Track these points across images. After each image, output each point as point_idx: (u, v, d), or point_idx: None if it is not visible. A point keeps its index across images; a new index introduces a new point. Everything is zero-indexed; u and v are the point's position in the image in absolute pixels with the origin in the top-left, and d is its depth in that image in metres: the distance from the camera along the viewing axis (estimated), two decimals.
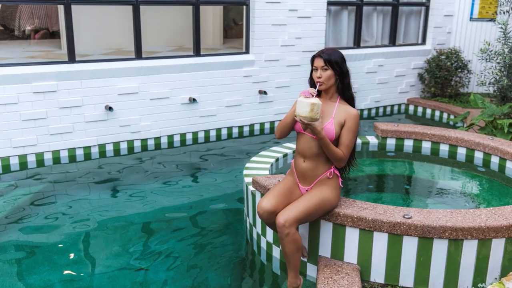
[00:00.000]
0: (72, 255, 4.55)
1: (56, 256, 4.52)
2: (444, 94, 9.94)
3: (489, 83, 8.16)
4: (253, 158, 5.28)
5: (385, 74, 9.83)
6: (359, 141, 5.98)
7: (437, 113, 9.54)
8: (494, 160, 5.48)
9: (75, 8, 7.08)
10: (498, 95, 8.20)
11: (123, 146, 7.37)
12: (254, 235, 4.64)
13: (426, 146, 5.90)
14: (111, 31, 9.21)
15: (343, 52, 4.00)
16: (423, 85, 10.30)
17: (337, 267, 3.80)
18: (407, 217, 3.67)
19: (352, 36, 9.54)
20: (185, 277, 4.24)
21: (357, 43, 9.56)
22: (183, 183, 6.30)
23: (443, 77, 9.71)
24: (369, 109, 9.86)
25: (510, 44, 7.66)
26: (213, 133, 8.11)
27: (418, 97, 10.27)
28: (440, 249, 3.65)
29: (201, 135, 8.01)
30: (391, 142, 6.01)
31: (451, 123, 8.85)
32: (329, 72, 3.72)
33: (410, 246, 3.68)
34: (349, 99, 3.85)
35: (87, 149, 7.10)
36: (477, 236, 3.61)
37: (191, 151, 7.55)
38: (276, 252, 4.34)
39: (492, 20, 10.27)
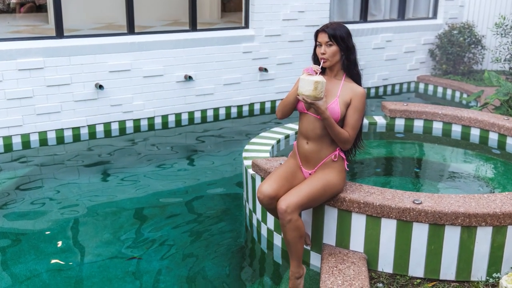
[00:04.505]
0: (60, 243, 4.53)
1: (43, 244, 4.50)
2: (456, 71, 9.88)
3: (505, 60, 8.11)
4: (253, 140, 5.25)
5: (393, 50, 9.76)
6: (366, 121, 5.95)
7: (449, 91, 9.49)
8: (510, 141, 5.45)
9: None
10: None
11: (114, 126, 7.33)
12: (254, 222, 4.62)
13: (437, 126, 5.86)
14: (101, 4, 9.12)
15: (349, 26, 3.94)
16: (434, 61, 10.24)
17: (343, 256, 3.78)
18: (417, 202, 3.64)
19: (358, 9, 9.46)
20: (180, 266, 4.22)
21: (363, 17, 9.48)
22: (178, 166, 6.28)
23: (455, 53, 9.64)
24: (377, 88, 9.81)
25: None
26: (210, 113, 8.07)
27: (428, 75, 10.22)
28: (452, 236, 3.63)
29: (197, 115, 7.97)
30: (400, 123, 5.97)
31: (464, 102, 8.82)
32: (334, 48, 3.68)
33: (420, 234, 3.66)
34: (355, 76, 3.82)
35: (76, 130, 7.06)
36: (492, 223, 3.58)
37: (187, 132, 7.52)
38: (277, 239, 4.32)
39: None
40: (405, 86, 10.17)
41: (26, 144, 6.72)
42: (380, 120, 6.02)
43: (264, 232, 4.46)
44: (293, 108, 3.82)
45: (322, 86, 3.48)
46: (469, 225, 3.58)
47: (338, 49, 3.70)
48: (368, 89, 9.64)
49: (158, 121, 7.66)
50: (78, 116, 7.03)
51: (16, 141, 6.69)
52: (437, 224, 3.60)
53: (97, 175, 5.96)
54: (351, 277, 3.51)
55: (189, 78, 7.67)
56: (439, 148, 5.75)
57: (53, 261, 4.26)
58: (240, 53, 8.10)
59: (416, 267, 3.74)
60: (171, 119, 7.76)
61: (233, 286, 4.04)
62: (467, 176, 5.14)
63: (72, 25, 7.71)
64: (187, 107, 7.85)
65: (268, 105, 8.60)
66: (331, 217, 3.88)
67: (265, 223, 4.41)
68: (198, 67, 7.78)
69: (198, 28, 7.89)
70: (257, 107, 8.50)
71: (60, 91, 6.83)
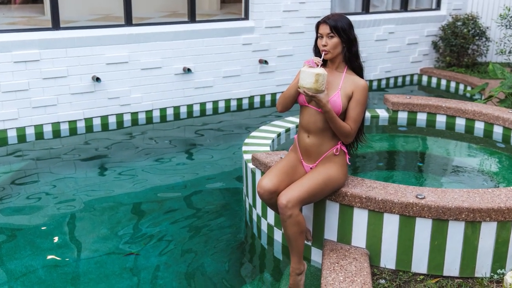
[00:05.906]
0: (56, 239, 4.52)
1: (39, 239, 4.49)
2: (460, 63, 9.85)
3: (509, 52, 8.07)
4: (253, 133, 5.24)
5: (396, 42, 9.73)
6: (368, 114, 5.92)
7: (452, 84, 9.47)
8: None
9: None
10: None
11: (112, 120, 7.32)
12: (254, 217, 4.61)
13: (441, 120, 5.84)
14: None
15: (351, 18, 3.93)
16: (437, 54, 10.21)
17: (344, 252, 3.77)
18: (420, 197, 3.63)
19: (360, 0, 9.43)
20: (179, 262, 4.21)
21: (365, 8, 9.45)
22: (176, 160, 6.26)
23: (459, 45, 9.61)
24: (379, 80, 9.78)
25: None
26: (209, 106, 8.06)
27: (432, 67, 10.19)
28: (456, 232, 3.61)
29: (196, 108, 7.95)
30: (402, 116, 5.95)
31: (468, 95, 8.80)
32: (336, 39, 3.66)
33: (423, 229, 3.64)
34: (357, 69, 3.80)
35: (72, 123, 7.04)
36: (496, 218, 3.57)
37: (185, 126, 7.50)
38: (277, 235, 4.31)
39: None
40: (408, 78, 10.14)
41: (21, 137, 6.71)
42: (383, 113, 6.00)
43: (264, 227, 4.45)
44: (294, 101, 3.80)
45: (324, 78, 3.47)
46: (473, 220, 3.56)
47: (340, 41, 3.68)
48: (370, 81, 9.62)
49: (156, 114, 7.64)
50: (74, 109, 7.01)
51: (12, 134, 6.67)
52: (441, 219, 3.59)
53: (94, 169, 5.94)
54: (353, 273, 3.49)
55: (187, 70, 7.65)
56: (443, 141, 5.74)
57: (49, 257, 4.25)
58: (239, 45, 8.08)
59: (419, 263, 3.73)
60: (170, 112, 7.74)
61: (233, 282, 4.03)
62: (471, 170, 5.12)
63: (68, 17, 7.70)
64: (185, 100, 7.83)
65: (268, 98, 8.57)
66: (332, 212, 3.87)
67: (265, 218, 4.39)
68: (197, 59, 7.76)
69: (197, 19, 7.86)
70: (257, 100, 8.48)
71: (57, 83, 6.81)
